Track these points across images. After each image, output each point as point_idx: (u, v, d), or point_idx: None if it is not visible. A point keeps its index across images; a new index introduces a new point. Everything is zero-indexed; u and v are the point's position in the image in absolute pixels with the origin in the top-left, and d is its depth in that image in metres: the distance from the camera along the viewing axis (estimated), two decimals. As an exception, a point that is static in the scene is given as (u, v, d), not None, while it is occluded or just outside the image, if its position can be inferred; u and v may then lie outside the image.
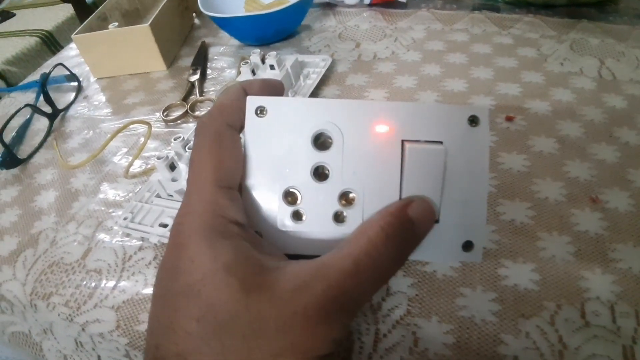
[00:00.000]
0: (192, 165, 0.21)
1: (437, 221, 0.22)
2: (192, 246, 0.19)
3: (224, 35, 0.61)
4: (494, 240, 0.31)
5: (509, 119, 0.39)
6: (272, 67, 0.44)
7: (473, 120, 0.21)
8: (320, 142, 0.22)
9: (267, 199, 0.22)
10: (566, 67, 0.45)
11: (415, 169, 0.21)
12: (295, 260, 0.20)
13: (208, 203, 0.20)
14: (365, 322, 0.29)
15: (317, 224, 0.22)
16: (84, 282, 0.34)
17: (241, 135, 0.23)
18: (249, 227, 0.22)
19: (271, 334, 0.17)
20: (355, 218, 0.22)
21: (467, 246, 0.22)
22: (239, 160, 0.22)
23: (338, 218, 0.22)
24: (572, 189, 0.34)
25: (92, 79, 0.59)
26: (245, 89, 0.23)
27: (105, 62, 0.59)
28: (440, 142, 0.21)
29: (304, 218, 0.22)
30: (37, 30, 1.27)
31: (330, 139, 0.22)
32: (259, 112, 0.22)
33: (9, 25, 1.32)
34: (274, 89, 0.24)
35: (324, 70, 0.47)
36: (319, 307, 0.17)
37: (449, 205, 0.22)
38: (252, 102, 0.23)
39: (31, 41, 1.20)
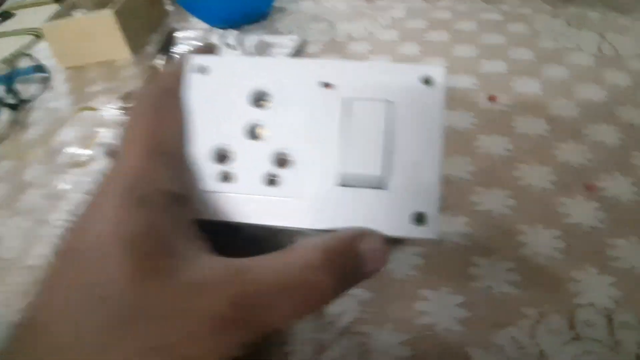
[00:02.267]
0: (126, 131, 0.20)
1: (384, 188, 0.20)
2: (100, 208, 0.17)
3: (196, 21, 0.58)
4: (465, 234, 0.26)
5: (492, 99, 0.34)
6: (230, 46, 0.40)
7: (427, 80, 0.19)
8: (260, 100, 0.21)
9: (200, 160, 0.21)
10: (561, 43, 0.39)
11: (356, 126, 0.20)
12: (224, 257, 0.18)
13: (134, 168, 0.19)
14: (306, 330, 0.23)
15: (247, 185, 0.21)
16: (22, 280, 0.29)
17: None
18: (196, 200, 0.21)
19: (150, 327, 0.15)
20: (289, 181, 0.20)
21: (419, 219, 0.19)
22: (178, 125, 0.21)
23: (271, 180, 0.21)
24: (562, 175, 0.28)
25: (60, 69, 0.57)
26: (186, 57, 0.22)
27: (72, 51, 0.57)
28: (389, 101, 0.20)
29: (233, 179, 0.21)
30: (33, 28, 1.26)
31: (270, 97, 0.21)
32: (200, 71, 0.22)
33: (9, 25, 1.32)
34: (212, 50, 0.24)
35: (290, 51, 0.43)
36: (219, 314, 0.15)
37: (397, 169, 0.20)
38: (194, 61, 0.22)
39: (27, 39, 1.19)
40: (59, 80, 0.55)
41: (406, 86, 0.20)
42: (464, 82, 0.36)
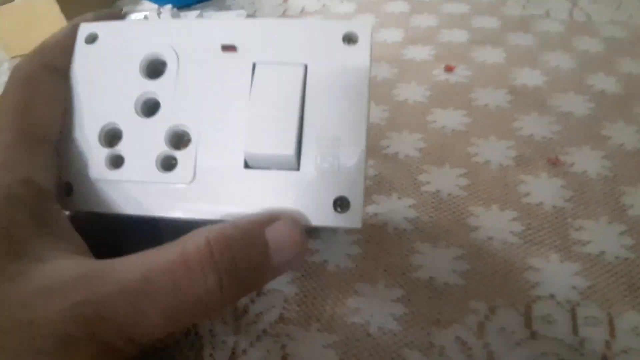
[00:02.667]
0: None
1: (298, 169, 0.17)
2: None
3: (148, 3, 0.54)
4: (408, 218, 0.22)
5: (449, 69, 0.30)
6: (165, 21, 0.36)
7: (350, 39, 0.17)
8: (154, 69, 0.19)
9: (86, 144, 0.19)
10: (528, 10, 0.36)
11: (265, 96, 0.17)
12: (88, 258, 0.16)
13: None
14: (219, 332, 0.20)
15: (138, 171, 0.18)
16: None
17: None
18: (78, 191, 0.19)
19: None
20: (187, 163, 0.18)
21: (341, 205, 0.17)
22: (55, 108, 0.19)
23: (167, 164, 0.18)
24: (524, 150, 0.25)
25: (6, 58, 0.53)
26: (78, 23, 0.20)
27: (16, 39, 0.53)
28: (303, 65, 0.17)
29: (124, 164, 0.18)
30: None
31: (166, 66, 0.18)
32: (88, 41, 0.19)
33: None
34: (114, 18, 0.21)
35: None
36: (60, 327, 0.13)
37: (315, 146, 0.17)
38: (83, 29, 0.20)
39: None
40: (3, 70, 0.52)
41: (325, 46, 0.17)
42: (421, 53, 0.32)
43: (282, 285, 0.21)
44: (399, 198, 0.23)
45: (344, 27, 0.17)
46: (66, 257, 0.15)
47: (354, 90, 0.17)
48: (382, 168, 0.25)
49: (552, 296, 0.19)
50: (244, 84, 0.17)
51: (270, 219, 0.16)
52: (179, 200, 0.18)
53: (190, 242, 0.15)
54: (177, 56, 0.18)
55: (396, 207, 0.23)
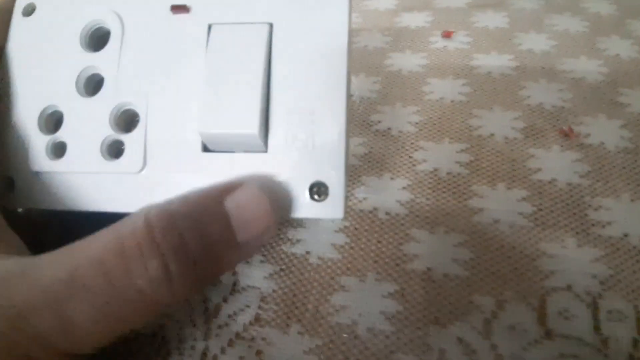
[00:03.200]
0: None
1: (264, 151, 0.15)
2: None
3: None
4: (402, 201, 0.20)
5: (447, 35, 0.27)
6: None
7: None
8: (98, 40, 0.16)
9: (25, 131, 0.16)
10: (533, -29, 0.33)
11: (222, 63, 0.14)
12: (10, 257, 0.13)
13: None
14: (191, 337, 0.17)
15: (82, 159, 0.16)
16: None
17: None
18: (17, 186, 0.16)
19: None
20: (135, 149, 0.15)
21: (319, 191, 0.14)
22: None
23: (113, 150, 0.16)
24: (532, 120, 0.22)
25: None
26: None
27: None
28: (268, 24, 0.15)
29: (66, 152, 0.16)
30: None
31: (110, 35, 0.16)
32: (25, 13, 0.17)
33: None
34: None
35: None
36: None
37: (285, 122, 0.14)
38: (18, 1, 0.17)
39: None
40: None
41: (294, 3, 0.15)
42: (416, 20, 0.29)
43: (258, 282, 0.18)
44: (392, 179, 0.21)
45: None
46: (5, 257, 0.13)
47: (330, 53, 0.14)
48: (372, 146, 0.22)
49: (569, 287, 0.16)
50: (198, 51, 0.15)
51: (229, 186, 0.13)
52: (128, 193, 0.15)
53: (125, 224, 0.12)
54: (122, 22, 0.16)
55: (388, 189, 0.20)
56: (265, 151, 0.14)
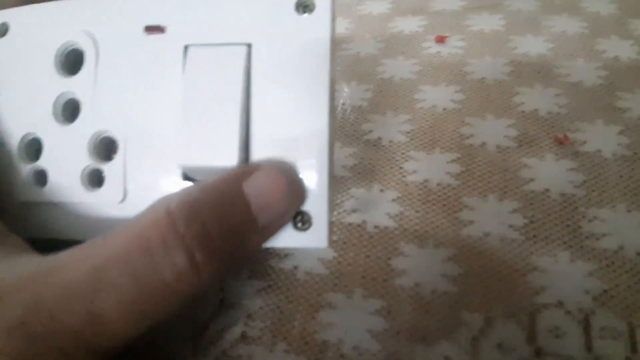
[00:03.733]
0: None
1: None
2: None
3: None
4: (391, 214, 0.19)
5: (440, 40, 0.27)
6: None
7: (305, 6, 0.14)
8: (74, 63, 0.16)
9: (7, 159, 0.16)
10: (531, -29, 0.32)
11: (199, 88, 0.14)
12: (26, 256, 0.13)
13: None
14: (179, 354, 0.17)
15: (62, 189, 0.16)
16: None
17: None
18: (7, 215, 0.16)
19: None
20: (114, 179, 0.15)
21: (302, 220, 0.14)
22: None
23: (93, 179, 0.16)
24: (526, 128, 0.21)
25: None
26: None
27: None
28: (246, 45, 0.14)
29: (48, 181, 0.16)
30: None
31: (85, 57, 0.16)
32: (0, 33, 0.17)
33: None
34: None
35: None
36: (13, 329, 0.11)
37: (266, 150, 0.14)
38: None
39: None
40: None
41: (273, 19, 0.14)
42: (410, 24, 0.29)
43: (246, 298, 0.18)
44: (381, 190, 0.20)
45: None
46: (18, 254, 0.13)
47: (312, 75, 0.14)
48: (362, 156, 0.22)
49: (560, 304, 0.16)
50: (174, 74, 0.15)
51: (247, 170, 0.13)
52: (112, 222, 0.15)
53: (146, 217, 0.12)
54: (95, 44, 0.15)
55: (377, 202, 0.20)
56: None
